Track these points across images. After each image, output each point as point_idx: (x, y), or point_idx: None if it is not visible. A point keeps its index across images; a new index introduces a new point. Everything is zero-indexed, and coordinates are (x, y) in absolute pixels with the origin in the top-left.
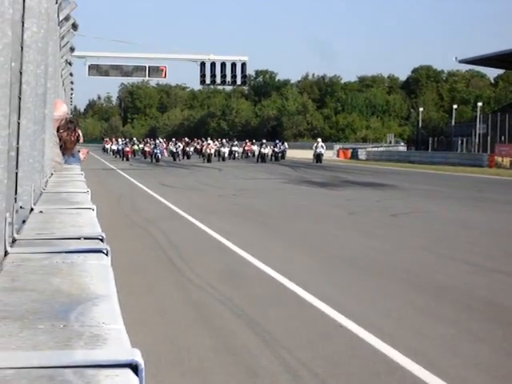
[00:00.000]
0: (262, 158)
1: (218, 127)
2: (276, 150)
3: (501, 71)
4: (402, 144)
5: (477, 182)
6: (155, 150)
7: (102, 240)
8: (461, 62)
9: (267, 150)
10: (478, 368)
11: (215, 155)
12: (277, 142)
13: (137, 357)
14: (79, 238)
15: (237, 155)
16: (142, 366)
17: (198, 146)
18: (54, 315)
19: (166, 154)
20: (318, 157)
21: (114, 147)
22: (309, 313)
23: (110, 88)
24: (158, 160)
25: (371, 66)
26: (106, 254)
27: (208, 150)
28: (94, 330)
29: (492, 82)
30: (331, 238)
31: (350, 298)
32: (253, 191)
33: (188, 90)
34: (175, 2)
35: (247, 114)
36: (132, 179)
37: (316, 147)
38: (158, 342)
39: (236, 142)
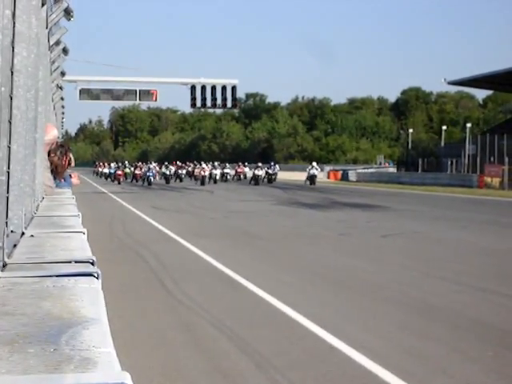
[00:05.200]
0: (256, 180)
1: (208, 150)
2: (270, 171)
3: (489, 92)
4: (392, 165)
5: (467, 202)
6: (148, 173)
7: (92, 263)
8: (449, 83)
9: (261, 173)
10: None
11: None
12: (271, 163)
13: (127, 380)
14: (70, 262)
15: (228, 177)
16: None
17: (190, 169)
18: (45, 339)
19: (157, 177)
20: (312, 178)
21: (106, 171)
22: (299, 333)
23: (101, 112)
24: (150, 183)
25: (360, 88)
26: (97, 278)
27: (202, 173)
28: (85, 354)
29: (481, 102)
30: (321, 260)
31: (340, 318)
32: (243, 213)
33: (179, 113)
34: (165, 26)
35: (238, 137)
36: (124, 202)
37: (310, 169)
38: (150, 364)
39: (228, 165)
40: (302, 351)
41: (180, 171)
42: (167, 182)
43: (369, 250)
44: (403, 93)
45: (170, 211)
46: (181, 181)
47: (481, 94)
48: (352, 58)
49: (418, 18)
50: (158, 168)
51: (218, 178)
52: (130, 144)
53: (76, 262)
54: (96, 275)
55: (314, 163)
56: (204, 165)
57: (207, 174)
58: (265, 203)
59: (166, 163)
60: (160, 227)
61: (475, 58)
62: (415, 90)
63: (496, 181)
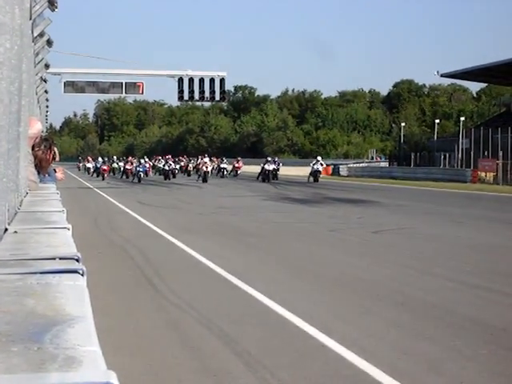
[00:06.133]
0: (266, 175)
1: (196, 144)
2: (275, 167)
3: (483, 85)
4: (383, 159)
5: (460, 197)
6: (138, 169)
7: (77, 260)
8: (442, 75)
9: (271, 167)
10: None
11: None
12: (274, 158)
13: (112, 379)
14: (54, 259)
15: (225, 173)
16: None
17: (183, 164)
18: (28, 337)
19: (151, 173)
20: (315, 174)
21: (89, 165)
22: (290, 332)
23: (86, 105)
24: (139, 180)
25: (352, 80)
26: (82, 275)
27: (204, 168)
28: (69, 353)
29: (474, 95)
30: (311, 256)
31: (332, 316)
32: (232, 208)
33: (166, 106)
34: (152, 18)
35: (226, 131)
36: (110, 198)
37: (314, 164)
38: (136, 363)
39: (225, 160)
40: (292, 350)
41: (173, 166)
42: (166, 177)
43: (360, 246)
44: (395, 85)
45: (157, 207)
46: (174, 176)
47: (474, 86)
48: (343, 50)
49: (410, 10)
50: (150, 163)
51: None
52: (115, 138)
53: (60, 258)
54: (81, 272)
55: (319, 157)
56: (206, 159)
57: (210, 169)
58: (254, 198)
59: (165, 157)
60: (147, 223)
61: (468, 51)
62: (407, 83)
63: (490, 175)
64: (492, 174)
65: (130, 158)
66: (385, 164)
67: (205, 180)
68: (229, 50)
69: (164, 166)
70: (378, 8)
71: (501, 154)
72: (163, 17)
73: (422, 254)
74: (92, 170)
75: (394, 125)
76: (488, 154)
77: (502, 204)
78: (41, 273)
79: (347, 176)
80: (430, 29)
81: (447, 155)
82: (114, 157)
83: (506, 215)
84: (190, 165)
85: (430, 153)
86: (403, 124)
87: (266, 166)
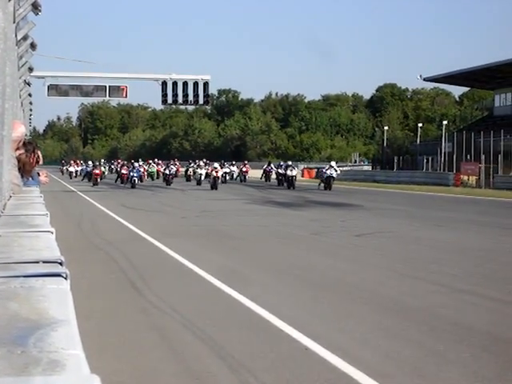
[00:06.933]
0: (290, 182)
1: (180, 147)
2: (295, 174)
3: (466, 89)
4: (366, 163)
5: (443, 201)
6: (132, 174)
7: (61, 264)
8: (425, 79)
9: (295, 173)
10: None
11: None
12: (288, 163)
13: (96, 383)
14: (38, 262)
15: (234, 176)
16: None
17: (175, 168)
18: (12, 341)
19: (146, 177)
20: (329, 181)
21: (72, 169)
22: (274, 335)
23: (69, 108)
24: (133, 186)
25: (335, 84)
26: (65, 278)
27: (214, 173)
28: (53, 356)
29: (457, 99)
30: (294, 259)
31: (315, 319)
32: (215, 212)
33: (150, 109)
34: (135, 21)
35: (210, 134)
36: (93, 201)
37: (327, 169)
38: (120, 367)
39: (234, 162)
40: (276, 353)
41: (168, 171)
42: (168, 183)
43: (343, 249)
44: (378, 89)
45: (141, 210)
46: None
47: (457, 90)
48: (326, 54)
49: (393, 14)
50: (145, 167)
51: (202, 178)
52: (99, 141)
53: (44, 262)
54: (64, 276)
55: (333, 163)
56: (216, 164)
57: (220, 174)
58: (238, 202)
59: (167, 162)
60: (131, 226)
61: (451, 55)
62: (390, 87)
63: (472, 179)
64: (474, 177)
65: (125, 162)
66: (368, 168)
67: (214, 186)
68: (213, 54)
69: (165, 170)
70: (360, 12)
71: (483, 157)
72: (148, 20)
73: (404, 257)
74: (74, 174)
75: (377, 128)
76: (470, 158)
77: (484, 207)
78: (24, 276)
79: None
80: (413, 33)
81: (430, 159)
82: (102, 160)
83: (488, 218)
84: (191, 169)
85: (413, 156)
86: (386, 128)
87: (289, 172)
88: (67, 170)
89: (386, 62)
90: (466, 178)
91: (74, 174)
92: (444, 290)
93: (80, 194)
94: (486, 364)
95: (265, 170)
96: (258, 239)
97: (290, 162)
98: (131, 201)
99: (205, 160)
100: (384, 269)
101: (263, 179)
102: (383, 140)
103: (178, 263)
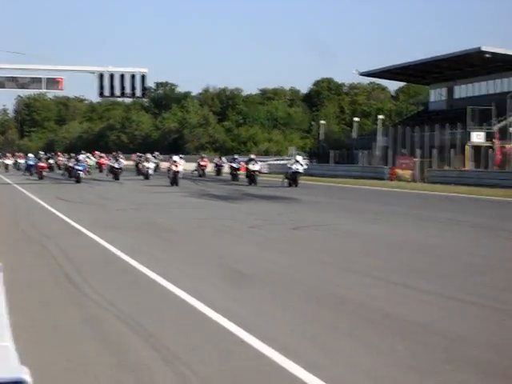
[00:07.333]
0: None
1: (117, 140)
2: (259, 168)
3: (401, 84)
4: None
5: (378, 194)
6: (76, 167)
7: None
8: (361, 74)
9: (257, 167)
10: (380, 382)
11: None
12: (251, 156)
13: (24, 374)
14: None
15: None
16: (30, 383)
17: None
18: None
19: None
20: (294, 176)
21: (8, 161)
22: (209, 328)
23: (5, 100)
24: (78, 180)
25: (272, 78)
26: None
27: (174, 168)
28: None
29: (393, 94)
30: (230, 252)
31: (250, 312)
32: (152, 205)
33: (87, 102)
34: (72, 13)
35: (148, 127)
36: (30, 194)
37: (291, 164)
38: (54, 359)
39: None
40: (211, 346)
41: (117, 165)
42: (116, 178)
43: (280, 242)
44: (315, 84)
45: (77, 203)
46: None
47: (393, 85)
48: (264, 47)
49: (329, 9)
50: (92, 159)
51: (151, 172)
52: (36, 133)
53: None
54: None
55: (299, 157)
56: (176, 157)
57: (181, 168)
58: (175, 194)
59: (114, 153)
60: (67, 219)
61: (388, 50)
62: (327, 81)
63: (407, 173)
64: (409, 171)
65: (70, 154)
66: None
67: (175, 182)
68: (150, 47)
69: (114, 163)
70: (299, 6)
71: (418, 152)
72: (84, 13)
73: (340, 250)
74: (11, 167)
75: (313, 122)
76: (406, 152)
77: (418, 201)
78: None
79: (268, 173)
80: (349, 28)
81: (366, 153)
82: (41, 152)
83: (421, 212)
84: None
85: (349, 150)
86: (323, 122)
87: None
88: (3, 162)
89: (323, 56)
90: (400, 171)
91: (12, 167)
92: (378, 282)
93: (16, 186)
94: (418, 356)
95: (216, 164)
96: (194, 232)
97: (252, 156)
98: (68, 194)
99: (157, 153)
100: (320, 262)
101: (214, 174)
102: (319, 134)
103: (115, 257)
